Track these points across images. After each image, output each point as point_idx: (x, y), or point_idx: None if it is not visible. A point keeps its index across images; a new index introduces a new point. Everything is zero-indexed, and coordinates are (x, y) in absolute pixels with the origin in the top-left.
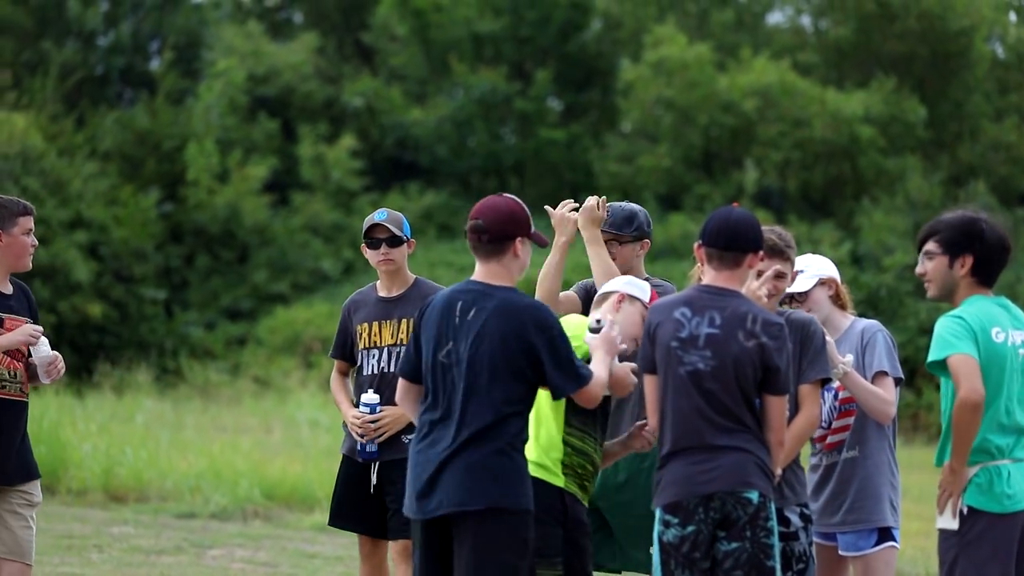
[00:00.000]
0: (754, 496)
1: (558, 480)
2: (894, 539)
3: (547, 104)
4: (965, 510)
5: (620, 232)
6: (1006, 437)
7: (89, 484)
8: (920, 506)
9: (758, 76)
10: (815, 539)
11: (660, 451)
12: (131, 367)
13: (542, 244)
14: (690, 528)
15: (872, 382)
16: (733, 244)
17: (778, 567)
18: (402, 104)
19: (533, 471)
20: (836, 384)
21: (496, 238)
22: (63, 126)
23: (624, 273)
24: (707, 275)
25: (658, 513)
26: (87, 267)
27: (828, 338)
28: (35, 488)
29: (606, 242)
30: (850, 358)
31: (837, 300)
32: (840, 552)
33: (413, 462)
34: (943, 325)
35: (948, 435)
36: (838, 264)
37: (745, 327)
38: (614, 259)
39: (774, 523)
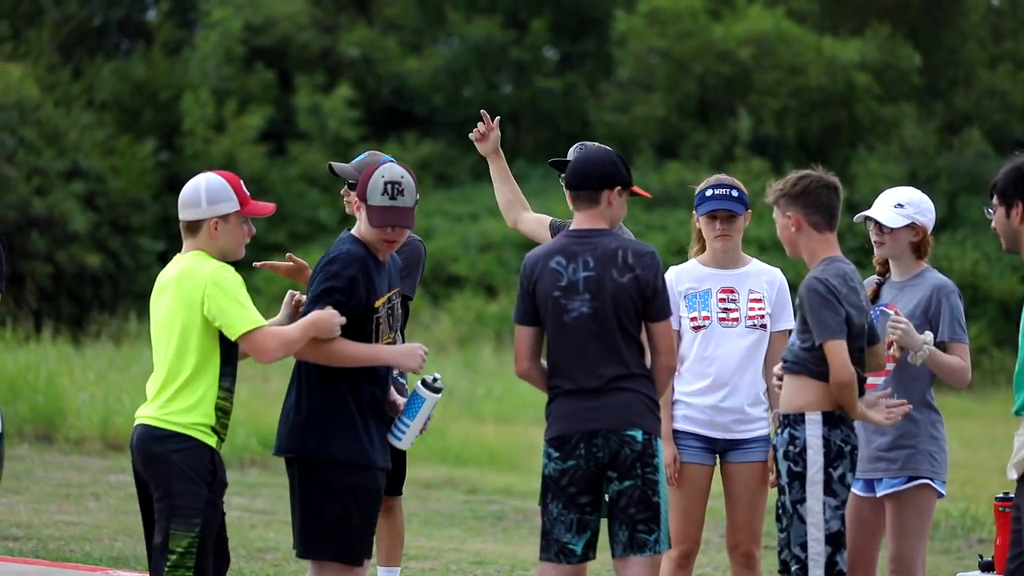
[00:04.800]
0: (638, 435)
1: (211, 440)
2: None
3: (543, 53)
4: None
5: None
6: None
7: (87, 433)
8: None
9: (753, 24)
10: (857, 492)
11: (548, 394)
12: (129, 316)
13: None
14: (570, 463)
15: (949, 349)
16: (584, 182)
17: (663, 503)
18: (398, 54)
19: (191, 432)
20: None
21: None
22: (60, 76)
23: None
24: (575, 219)
25: (544, 446)
26: (84, 217)
27: (908, 325)
28: None
29: None
30: (929, 336)
31: (919, 248)
32: (877, 495)
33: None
34: None
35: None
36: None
37: (617, 263)
38: (609, 204)
39: (660, 460)
